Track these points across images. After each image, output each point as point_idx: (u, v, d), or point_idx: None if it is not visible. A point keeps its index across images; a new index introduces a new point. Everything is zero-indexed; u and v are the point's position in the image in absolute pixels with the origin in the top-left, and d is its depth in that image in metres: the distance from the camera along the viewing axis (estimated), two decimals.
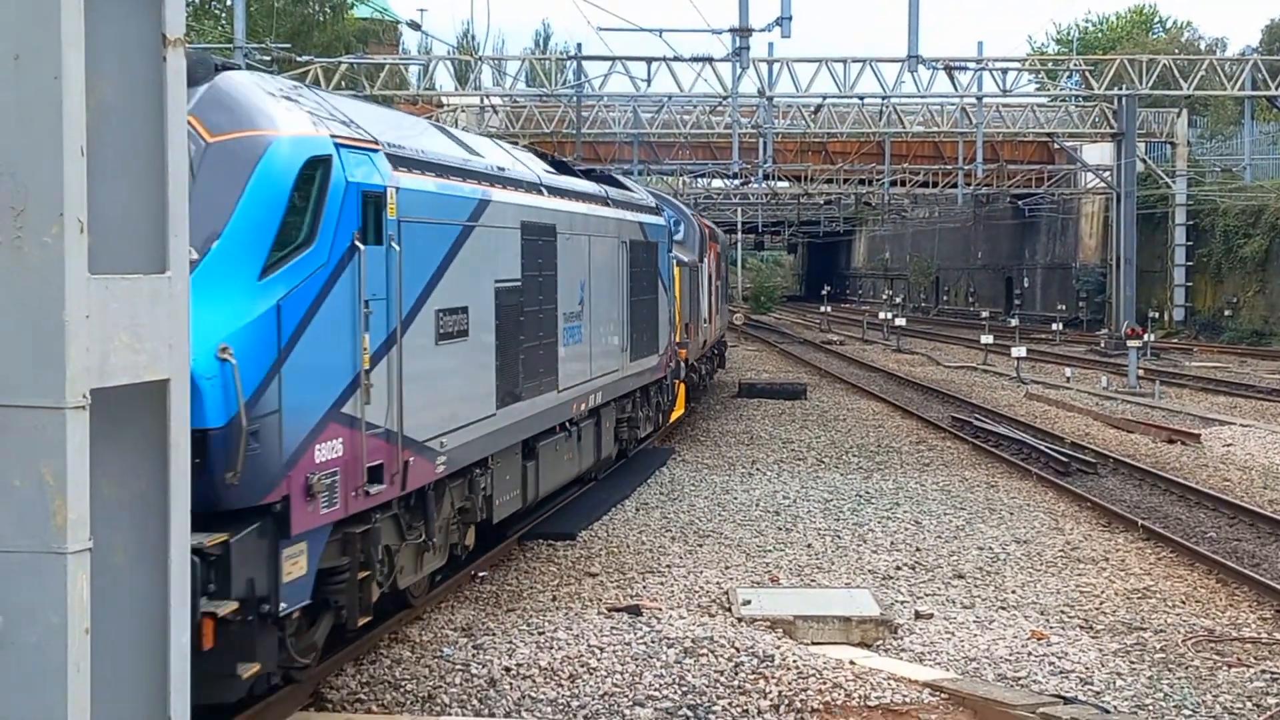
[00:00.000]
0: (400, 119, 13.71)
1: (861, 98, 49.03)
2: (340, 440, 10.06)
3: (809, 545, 16.95)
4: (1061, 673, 11.77)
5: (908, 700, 10.82)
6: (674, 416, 27.73)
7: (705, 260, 32.65)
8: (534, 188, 15.99)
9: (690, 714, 10.42)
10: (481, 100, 56.33)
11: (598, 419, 19.28)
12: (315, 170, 9.97)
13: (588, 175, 20.87)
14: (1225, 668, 12.07)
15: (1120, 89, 50.44)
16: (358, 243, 10.36)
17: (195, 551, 8.15)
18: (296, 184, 9.77)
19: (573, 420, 17.65)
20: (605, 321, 19.26)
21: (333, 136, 10.32)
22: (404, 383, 11.09)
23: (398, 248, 11.09)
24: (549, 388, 15.94)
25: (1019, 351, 41.77)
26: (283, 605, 9.37)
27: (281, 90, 10.46)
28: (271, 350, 9.30)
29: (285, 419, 9.34)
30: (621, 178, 25.45)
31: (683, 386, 28.27)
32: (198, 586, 8.48)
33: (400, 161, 11.52)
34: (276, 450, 9.24)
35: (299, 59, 41.42)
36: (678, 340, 26.42)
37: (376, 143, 11.09)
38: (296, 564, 9.62)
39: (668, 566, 15.54)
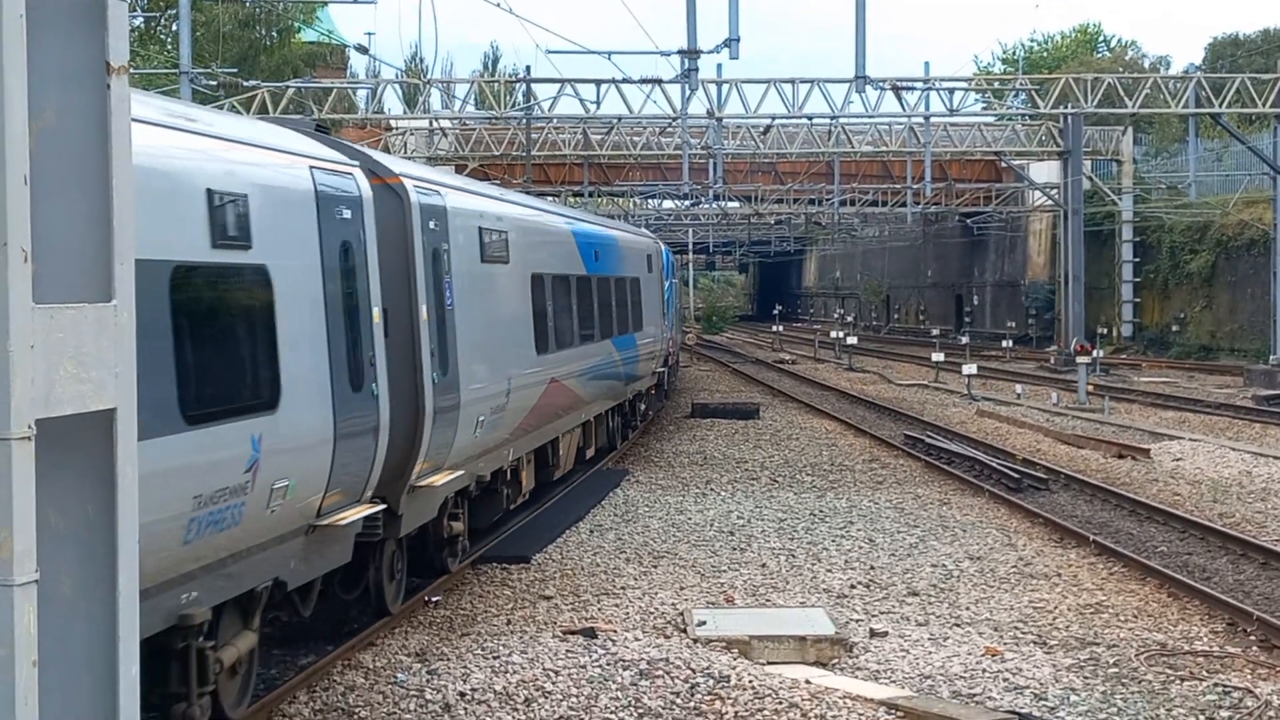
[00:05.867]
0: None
1: (810, 118, 49.16)
2: (671, 341, 40.16)
3: (764, 565, 16.97)
4: (1016, 689, 11.82)
5: (864, 718, 10.83)
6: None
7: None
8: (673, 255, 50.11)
9: None
10: (430, 123, 56.25)
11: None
12: (662, 252, 39.25)
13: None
14: (1178, 681, 12.14)
15: (1066, 107, 50.76)
16: (675, 280, 46.83)
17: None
18: (667, 257, 42.52)
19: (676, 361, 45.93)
20: (676, 319, 46.74)
21: (660, 242, 40.62)
22: (672, 323, 41.65)
23: (676, 281, 47.21)
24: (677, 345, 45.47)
25: (969, 369, 41.98)
26: (664, 386, 39.35)
27: (646, 228, 50.94)
28: (668, 309, 39.65)
29: (667, 333, 37.81)
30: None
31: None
32: (662, 378, 38.69)
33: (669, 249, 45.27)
34: (669, 343, 39.32)
35: (245, 84, 41.23)
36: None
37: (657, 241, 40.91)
38: (665, 375, 38.43)
39: (622, 588, 15.52)
